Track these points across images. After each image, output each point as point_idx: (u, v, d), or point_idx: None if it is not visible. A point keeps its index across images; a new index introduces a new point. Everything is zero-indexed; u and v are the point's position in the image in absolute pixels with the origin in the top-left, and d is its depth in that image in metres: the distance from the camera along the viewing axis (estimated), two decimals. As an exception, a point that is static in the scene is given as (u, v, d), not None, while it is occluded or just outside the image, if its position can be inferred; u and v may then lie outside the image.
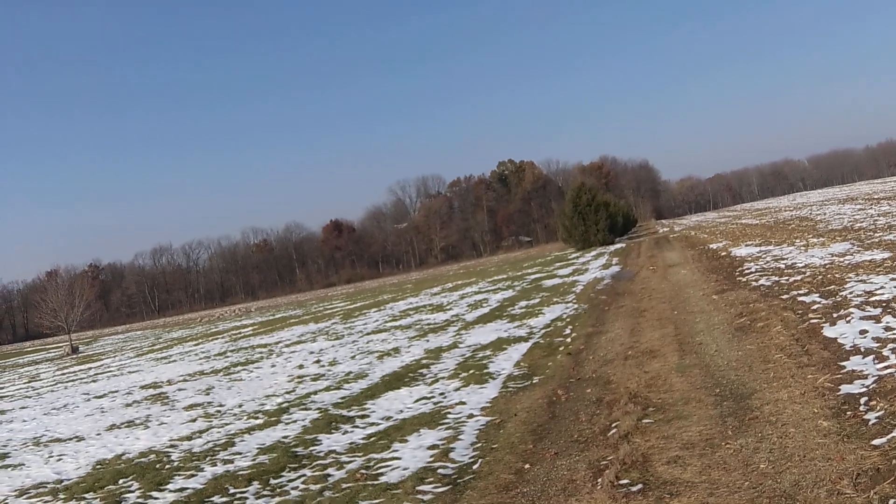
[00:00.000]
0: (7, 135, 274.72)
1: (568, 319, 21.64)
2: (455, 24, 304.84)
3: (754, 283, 19.88)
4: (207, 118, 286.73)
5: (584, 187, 78.26)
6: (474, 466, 9.31)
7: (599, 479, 7.95)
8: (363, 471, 9.79)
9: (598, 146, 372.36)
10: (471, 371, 15.88)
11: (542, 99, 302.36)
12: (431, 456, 9.96)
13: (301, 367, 21.63)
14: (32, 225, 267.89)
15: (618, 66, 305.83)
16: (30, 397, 27.57)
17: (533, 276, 44.82)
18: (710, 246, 38.68)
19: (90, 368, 37.50)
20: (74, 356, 55.94)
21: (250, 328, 49.74)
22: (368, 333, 27.97)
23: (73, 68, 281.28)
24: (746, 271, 22.90)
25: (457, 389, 14.31)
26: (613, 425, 9.86)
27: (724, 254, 31.45)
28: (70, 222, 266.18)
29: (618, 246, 66.56)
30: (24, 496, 11.59)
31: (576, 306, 24.54)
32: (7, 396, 29.74)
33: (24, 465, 14.20)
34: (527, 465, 9.01)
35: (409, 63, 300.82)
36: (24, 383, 36.01)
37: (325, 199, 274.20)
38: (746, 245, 32.58)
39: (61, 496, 11.16)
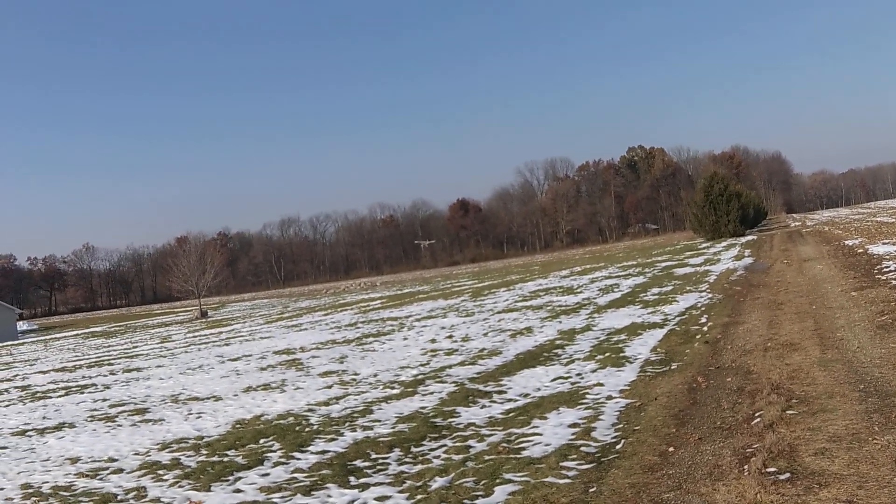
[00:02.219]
0: (148, 108, 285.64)
1: (703, 308, 21.42)
2: (581, 2, 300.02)
3: (895, 282, 19.44)
4: (342, 95, 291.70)
5: (716, 177, 76.92)
6: (617, 446, 9.17)
7: (746, 466, 7.80)
8: (504, 444, 9.76)
9: (730, 135, 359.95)
10: (606, 354, 15.77)
11: (672, 83, 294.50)
12: (573, 434, 9.85)
13: (433, 341, 21.83)
14: (163, 192, 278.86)
15: (752, 49, 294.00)
16: (164, 357, 28.74)
17: (663, 264, 44.40)
18: (846, 242, 37.61)
19: (221, 332, 38.80)
20: (204, 320, 57.98)
21: (379, 301, 50.51)
22: (499, 312, 28.07)
23: (222, 44, 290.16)
24: (885, 269, 22.30)
25: (593, 371, 14.23)
26: (757, 414, 9.69)
27: (860, 251, 30.48)
28: (200, 191, 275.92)
29: (749, 238, 65.05)
30: (166, 450, 12.00)
31: (710, 296, 24.26)
32: (142, 355, 31.06)
33: (164, 420, 14.75)
34: (671, 448, 8.84)
35: (541, 40, 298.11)
36: (157, 343, 37.56)
37: (452, 177, 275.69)
38: (884, 243, 31.40)
39: (203, 452, 11.50)
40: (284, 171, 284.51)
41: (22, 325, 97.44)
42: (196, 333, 41.66)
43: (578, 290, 33.41)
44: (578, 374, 14.06)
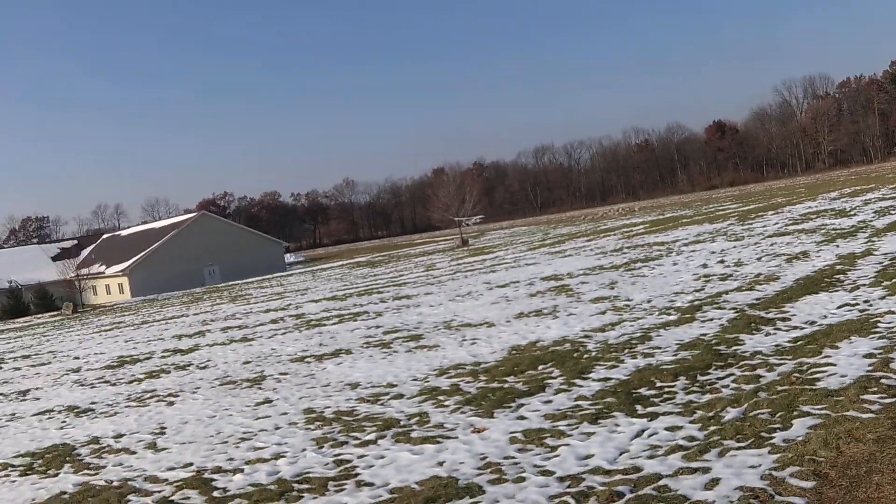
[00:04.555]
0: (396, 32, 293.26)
1: None
2: None
3: None
4: (600, 19, 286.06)
5: None
6: (924, 379, 8.33)
7: None
8: (796, 374, 9.16)
9: None
10: (894, 280, 14.48)
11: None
12: (870, 365, 9.06)
13: (705, 266, 21.15)
14: (418, 124, 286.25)
15: None
16: (432, 284, 29.60)
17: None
18: None
19: (485, 260, 39.47)
20: (466, 248, 59.30)
21: (641, 226, 49.68)
22: (770, 236, 26.86)
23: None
24: None
25: (881, 298, 13.12)
26: None
27: None
28: (454, 122, 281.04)
29: None
30: (444, 376, 12.20)
31: None
32: (409, 283, 32.15)
33: (438, 346, 15.07)
34: None
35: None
36: (423, 271, 38.77)
37: (707, 98, 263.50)
38: None
39: (482, 378, 11.57)
40: (537, 98, 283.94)
41: (289, 258, 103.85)
42: (460, 261, 42.66)
43: (852, 213, 31.34)
44: (866, 301, 13.08)
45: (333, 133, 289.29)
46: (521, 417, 9.08)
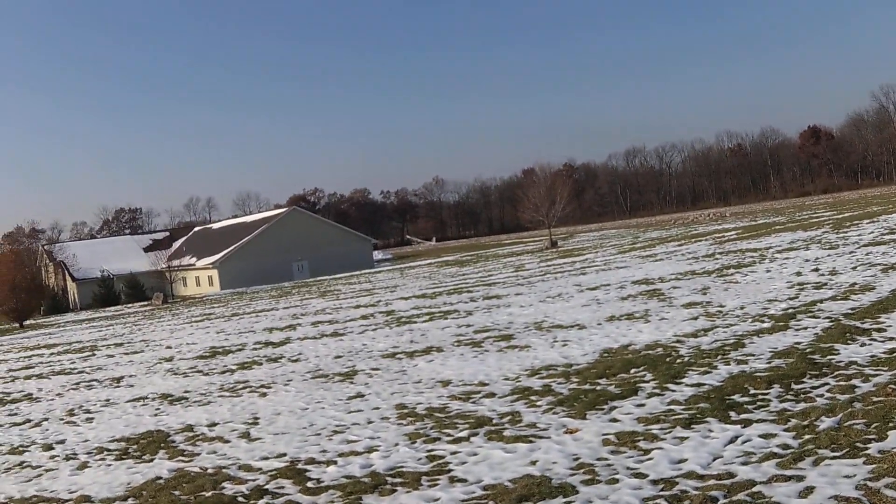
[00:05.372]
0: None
1: None
2: None
3: None
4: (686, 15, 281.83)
5: None
6: None
7: None
8: (892, 386, 9.00)
9: None
10: None
11: None
12: None
13: (798, 273, 20.84)
14: (509, 122, 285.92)
15: None
16: (521, 285, 29.72)
17: None
18: None
19: (574, 262, 39.42)
20: (554, 250, 59.24)
21: (733, 232, 48.95)
22: (865, 245, 26.24)
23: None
24: None
25: None
26: None
27: None
28: (546, 121, 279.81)
29: None
30: (536, 376, 12.35)
31: None
32: (499, 283, 32.33)
33: (530, 346, 15.21)
34: None
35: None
36: (512, 272, 38.89)
37: (802, 102, 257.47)
38: None
39: (574, 379, 11.69)
40: (631, 100, 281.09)
41: (377, 255, 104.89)
42: (549, 262, 42.65)
43: (952, 222, 30.41)
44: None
45: (424, 131, 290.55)
46: (614, 420, 9.16)
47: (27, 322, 63.72)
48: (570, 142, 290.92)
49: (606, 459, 7.80)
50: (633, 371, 11.64)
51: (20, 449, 12.36)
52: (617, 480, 7.17)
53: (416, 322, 22.16)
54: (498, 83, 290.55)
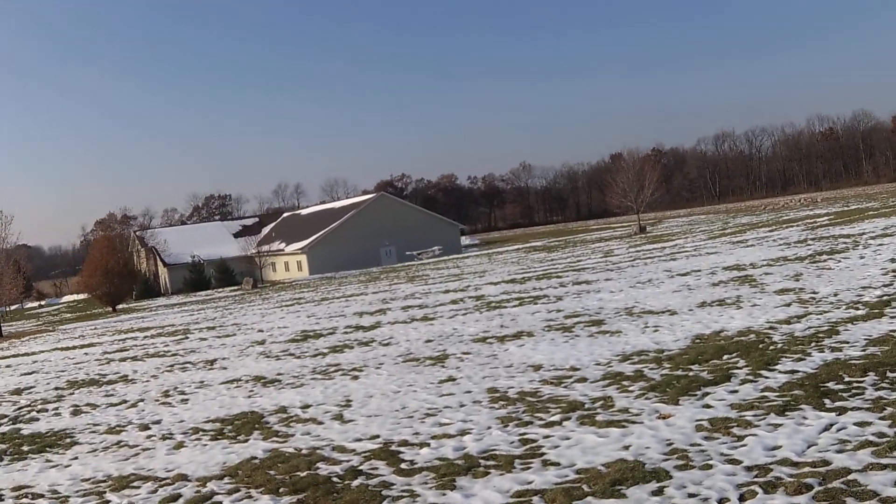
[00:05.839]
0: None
1: None
2: None
3: None
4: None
5: None
6: None
7: None
8: None
9: None
10: None
11: None
12: None
13: (893, 260, 20.32)
14: (597, 105, 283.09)
15: None
16: (611, 270, 29.59)
17: None
18: None
19: (663, 248, 39.03)
20: (643, 235, 58.69)
21: (825, 218, 47.84)
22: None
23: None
24: None
25: None
26: None
27: None
28: (634, 105, 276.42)
29: None
30: (627, 361, 12.36)
31: None
32: (588, 269, 32.23)
33: (620, 332, 15.20)
34: None
35: None
36: (601, 257, 38.70)
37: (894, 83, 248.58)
38: None
39: (665, 365, 11.67)
40: (720, 83, 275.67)
41: (464, 240, 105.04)
42: (638, 248, 42.30)
43: None
44: None
45: (511, 115, 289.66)
46: (707, 406, 9.14)
47: (120, 306, 65.64)
48: (658, 126, 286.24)
49: (700, 445, 7.81)
50: (725, 357, 11.56)
51: (117, 429, 12.69)
52: (711, 466, 7.17)
53: (505, 307, 22.24)
54: (583, 67, 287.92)
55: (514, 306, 22.07)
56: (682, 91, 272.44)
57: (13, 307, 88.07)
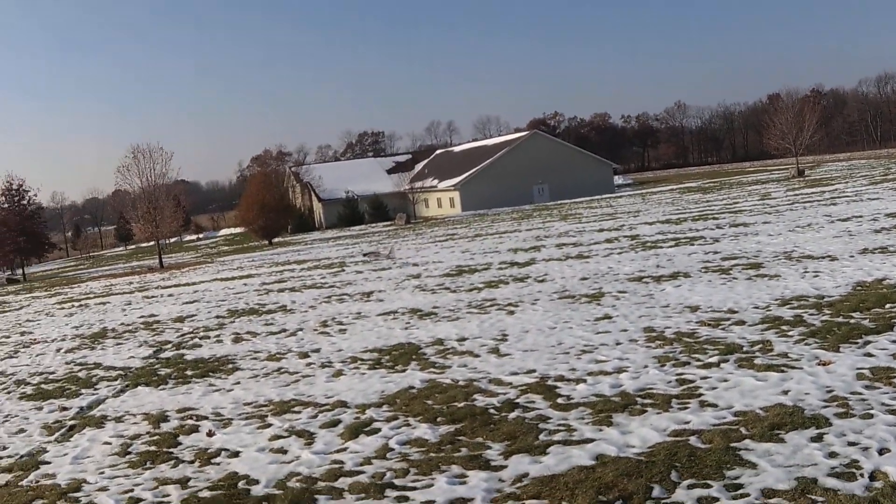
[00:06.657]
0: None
1: None
2: None
3: None
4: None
5: None
6: None
7: None
8: None
9: None
10: None
11: None
12: None
13: None
14: (753, 45, 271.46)
15: None
16: (769, 213, 28.80)
17: None
18: None
19: (823, 192, 37.63)
20: (801, 179, 56.64)
21: None
22: None
23: None
24: None
25: None
26: None
27: None
28: (792, 45, 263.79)
29: None
30: (786, 306, 12.20)
31: None
32: (745, 211, 31.45)
33: (779, 276, 14.94)
34: None
35: None
36: (758, 200, 37.62)
37: None
38: None
39: (826, 311, 11.47)
40: (884, 20, 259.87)
41: (617, 180, 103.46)
42: (796, 192, 40.90)
43: None
44: None
45: (667, 56, 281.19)
46: (869, 354, 8.99)
47: (275, 239, 67.73)
48: (817, 67, 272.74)
49: (860, 394, 7.72)
50: (888, 306, 11.26)
51: (277, 356, 13.17)
52: (871, 416, 7.09)
53: (661, 247, 22.06)
54: (742, 4, 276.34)
55: (670, 247, 21.86)
56: (844, 31, 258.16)
57: (173, 240, 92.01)
